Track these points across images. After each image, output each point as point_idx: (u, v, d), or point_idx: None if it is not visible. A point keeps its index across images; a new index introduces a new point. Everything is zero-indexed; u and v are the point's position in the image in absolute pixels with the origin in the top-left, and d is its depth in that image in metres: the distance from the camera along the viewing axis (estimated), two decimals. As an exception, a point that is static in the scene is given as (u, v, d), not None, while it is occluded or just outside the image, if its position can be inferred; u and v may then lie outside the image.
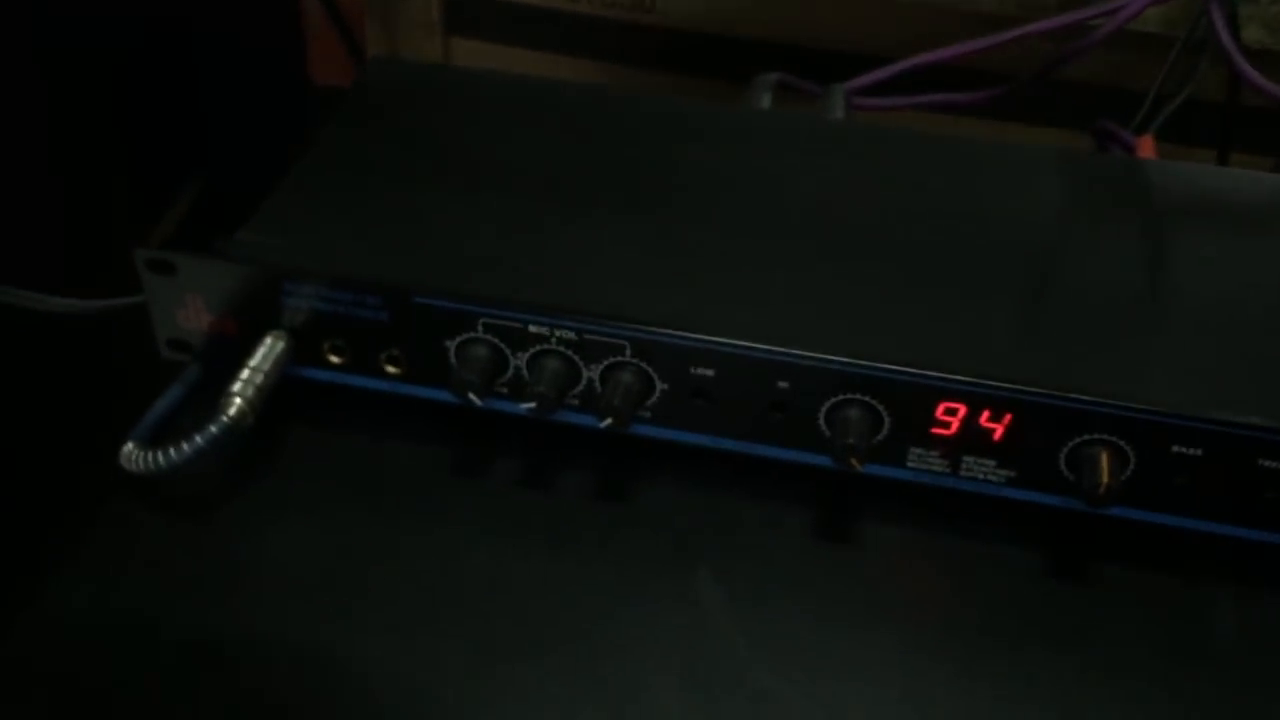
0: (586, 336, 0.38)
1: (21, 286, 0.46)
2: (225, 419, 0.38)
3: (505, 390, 0.40)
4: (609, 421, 0.38)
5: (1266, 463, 0.36)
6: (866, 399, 0.37)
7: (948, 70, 0.59)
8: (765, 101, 0.50)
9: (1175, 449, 0.36)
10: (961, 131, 0.60)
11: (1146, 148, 0.50)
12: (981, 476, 0.38)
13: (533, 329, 0.38)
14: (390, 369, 0.40)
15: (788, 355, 0.37)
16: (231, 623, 0.35)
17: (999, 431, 0.37)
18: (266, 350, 0.39)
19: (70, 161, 0.61)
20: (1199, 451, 0.36)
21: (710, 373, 0.38)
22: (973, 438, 0.37)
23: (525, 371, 0.39)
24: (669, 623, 0.36)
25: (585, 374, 0.39)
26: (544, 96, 0.48)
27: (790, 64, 0.60)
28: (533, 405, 0.38)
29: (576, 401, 0.39)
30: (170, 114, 0.74)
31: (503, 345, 0.39)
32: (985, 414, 0.37)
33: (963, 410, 0.37)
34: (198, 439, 0.37)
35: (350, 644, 0.35)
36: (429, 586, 0.36)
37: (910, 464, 0.38)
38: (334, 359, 0.40)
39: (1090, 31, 0.54)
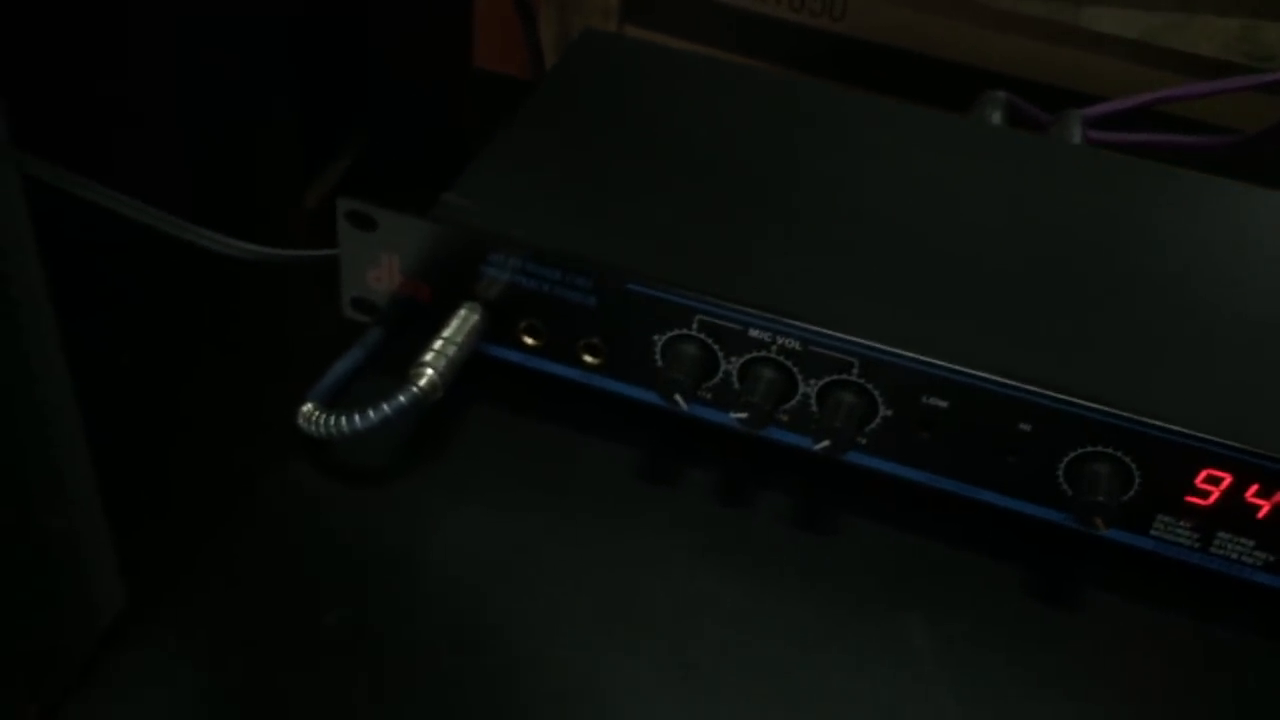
0: (812, 348, 0.34)
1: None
2: (415, 390, 0.35)
3: (710, 396, 0.36)
4: (825, 444, 0.35)
5: None
6: (1119, 454, 0.33)
7: (1172, 117, 0.55)
8: (996, 118, 0.47)
9: None
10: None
11: None
12: (1235, 557, 0.34)
13: (753, 333, 0.35)
14: (588, 358, 0.37)
15: (1036, 395, 0.33)
16: (391, 608, 0.32)
17: (1265, 509, 0.33)
18: (461, 322, 0.37)
19: (246, 109, 0.59)
20: None
21: (944, 404, 0.34)
22: (1233, 512, 0.33)
23: (735, 379, 0.36)
24: (872, 673, 0.32)
25: (802, 389, 0.35)
26: (765, 86, 0.45)
27: (979, 90, 0.57)
28: (743, 416, 0.35)
29: (787, 419, 0.36)
30: (337, 74, 0.72)
31: (716, 346, 0.35)
32: (1254, 488, 0.33)
33: (1227, 480, 0.33)
34: (385, 407, 0.35)
35: (518, 651, 0.32)
36: (609, 598, 0.33)
37: (1154, 532, 0.35)
38: (529, 340, 0.37)
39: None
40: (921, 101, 0.73)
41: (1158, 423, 0.33)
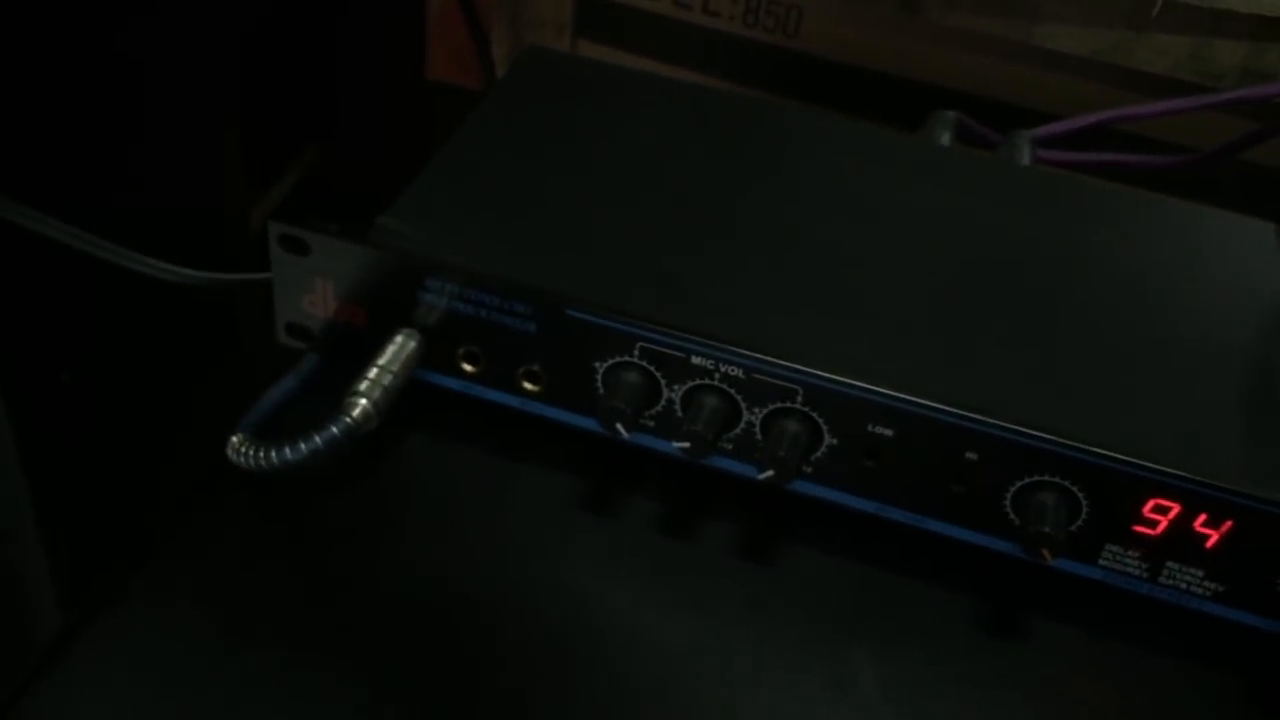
0: (756, 376, 0.34)
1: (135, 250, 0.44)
2: (348, 420, 0.34)
3: (653, 424, 0.36)
4: (770, 474, 0.34)
5: None
6: (1066, 483, 0.33)
7: (1123, 135, 0.55)
8: (945, 139, 0.46)
9: None
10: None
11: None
12: (1184, 587, 0.34)
13: (695, 360, 0.34)
14: (528, 385, 0.36)
15: (982, 424, 0.33)
16: (322, 643, 0.31)
17: (1214, 539, 0.33)
18: (397, 349, 0.36)
19: (196, 123, 0.58)
20: None
21: (889, 432, 0.34)
22: (1181, 543, 0.33)
23: (678, 406, 0.35)
24: (819, 707, 0.31)
25: (746, 417, 0.34)
26: (710, 104, 0.44)
27: (938, 107, 0.56)
28: (685, 445, 0.34)
29: (730, 447, 0.35)
30: (285, 92, 0.71)
31: (658, 374, 0.35)
32: (1201, 518, 0.32)
33: (1176, 510, 0.32)
34: (316, 439, 0.33)
35: (455, 685, 0.31)
36: (549, 630, 0.32)
37: (1102, 562, 0.34)
38: (467, 367, 0.37)
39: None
40: (875, 118, 0.73)
41: (1105, 451, 0.32)
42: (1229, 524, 0.32)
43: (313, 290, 0.37)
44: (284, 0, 0.65)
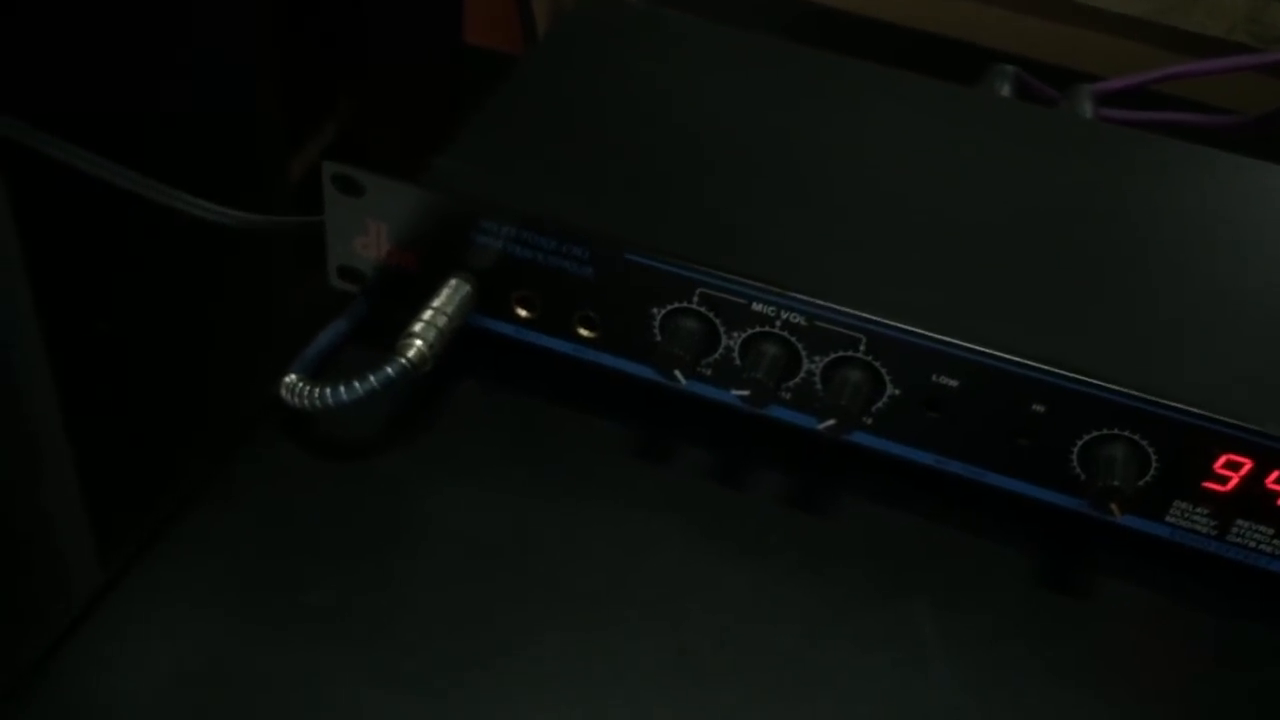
0: (818, 324, 0.33)
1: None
2: (403, 361, 0.33)
3: (710, 372, 0.35)
4: (830, 424, 0.33)
5: None
6: (1136, 437, 0.32)
7: (1173, 97, 0.54)
8: (1005, 91, 0.45)
9: None
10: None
11: None
12: (1253, 545, 0.33)
13: (756, 307, 0.33)
14: (584, 331, 0.36)
15: (1051, 375, 0.32)
16: (373, 590, 0.31)
17: (1286, 496, 0.32)
18: (451, 292, 0.35)
19: (233, 72, 0.58)
20: None
21: (954, 383, 0.33)
22: (1252, 499, 0.32)
23: (737, 355, 0.34)
24: (879, 660, 0.31)
25: (807, 365, 0.34)
26: (771, 55, 0.44)
27: (981, 65, 0.55)
28: (745, 394, 0.34)
29: (790, 396, 0.35)
30: (323, 47, 0.70)
31: (718, 321, 0.34)
32: (1275, 474, 0.32)
33: (1248, 465, 0.32)
34: (371, 379, 0.33)
35: (509, 632, 0.30)
36: (601, 579, 0.32)
37: (1170, 519, 0.33)
38: (522, 312, 0.36)
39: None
40: (928, 75, 0.71)
41: (1177, 405, 0.31)
42: (1303, 481, 0.31)
43: (365, 233, 0.36)
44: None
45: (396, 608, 0.31)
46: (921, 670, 0.31)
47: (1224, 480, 0.32)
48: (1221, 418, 0.31)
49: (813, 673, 0.31)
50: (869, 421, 0.34)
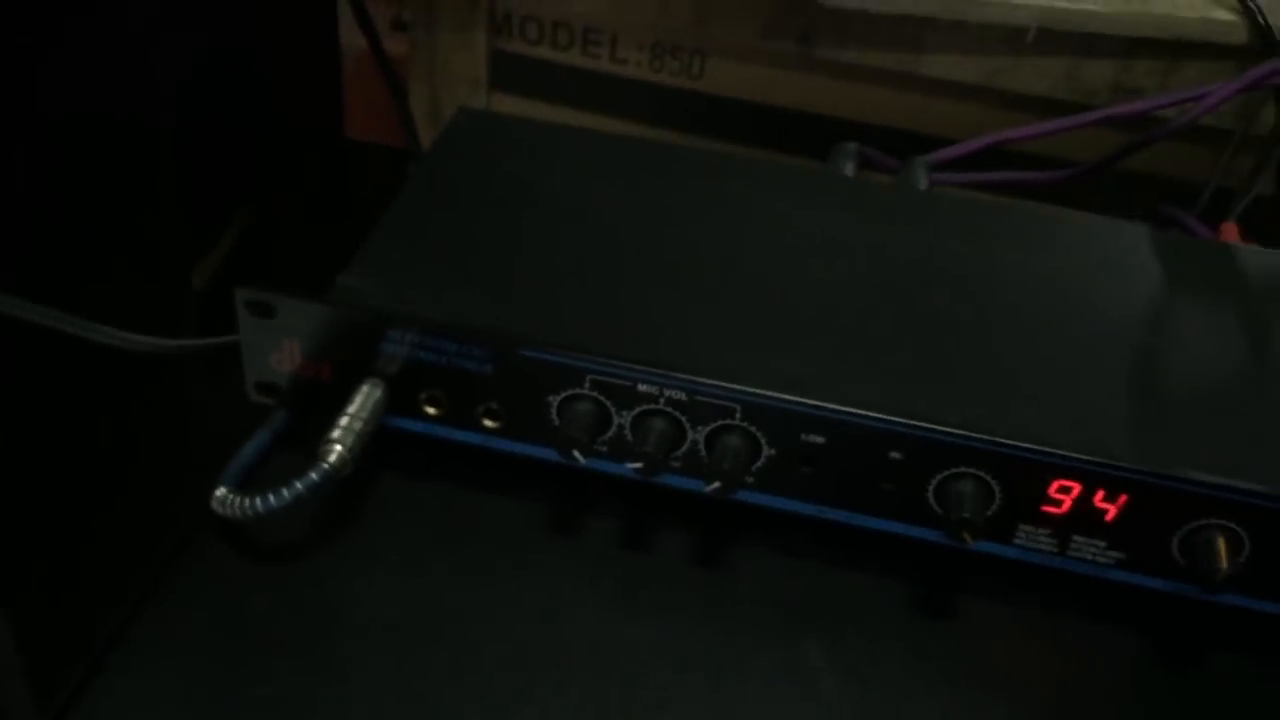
0: (697, 398, 0.37)
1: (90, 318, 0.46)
2: (326, 466, 0.37)
3: (606, 449, 0.39)
4: (716, 486, 0.37)
5: (1386, 554, 0.35)
6: (980, 473, 0.37)
7: (1009, 155, 0.59)
8: (849, 169, 0.50)
9: (1294, 536, 0.36)
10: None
11: (1230, 234, 0.50)
12: (1090, 557, 0.38)
13: (641, 388, 0.37)
14: (488, 422, 0.39)
15: (903, 425, 0.36)
16: (315, 675, 0.34)
17: (1112, 512, 0.37)
18: (364, 397, 0.38)
19: (133, 196, 0.60)
20: (1318, 539, 0.36)
21: (821, 440, 0.37)
22: (1084, 518, 0.37)
23: (629, 431, 0.38)
24: (777, 694, 0.35)
25: (691, 436, 0.38)
26: (634, 152, 0.48)
27: (836, 136, 0.61)
28: (638, 466, 0.37)
29: (679, 464, 0.39)
30: (217, 158, 0.73)
31: (608, 403, 0.38)
32: (1100, 494, 0.36)
33: (1077, 489, 0.37)
34: (298, 485, 0.36)
35: (435, 701, 0.34)
36: (527, 648, 0.35)
37: (1018, 541, 0.38)
38: (431, 410, 0.39)
39: (1159, 121, 0.55)
40: (780, 150, 0.77)
41: (1012, 442, 0.36)
42: (1124, 498, 0.36)
43: (279, 349, 0.39)
44: (209, 69, 0.67)
45: (335, 691, 0.34)
46: (816, 699, 0.35)
47: (1058, 503, 0.37)
48: (1049, 449, 0.36)
49: (720, 711, 0.34)
50: (751, 480, 0.38)
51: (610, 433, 0.38)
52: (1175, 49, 0.70)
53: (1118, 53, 0.70)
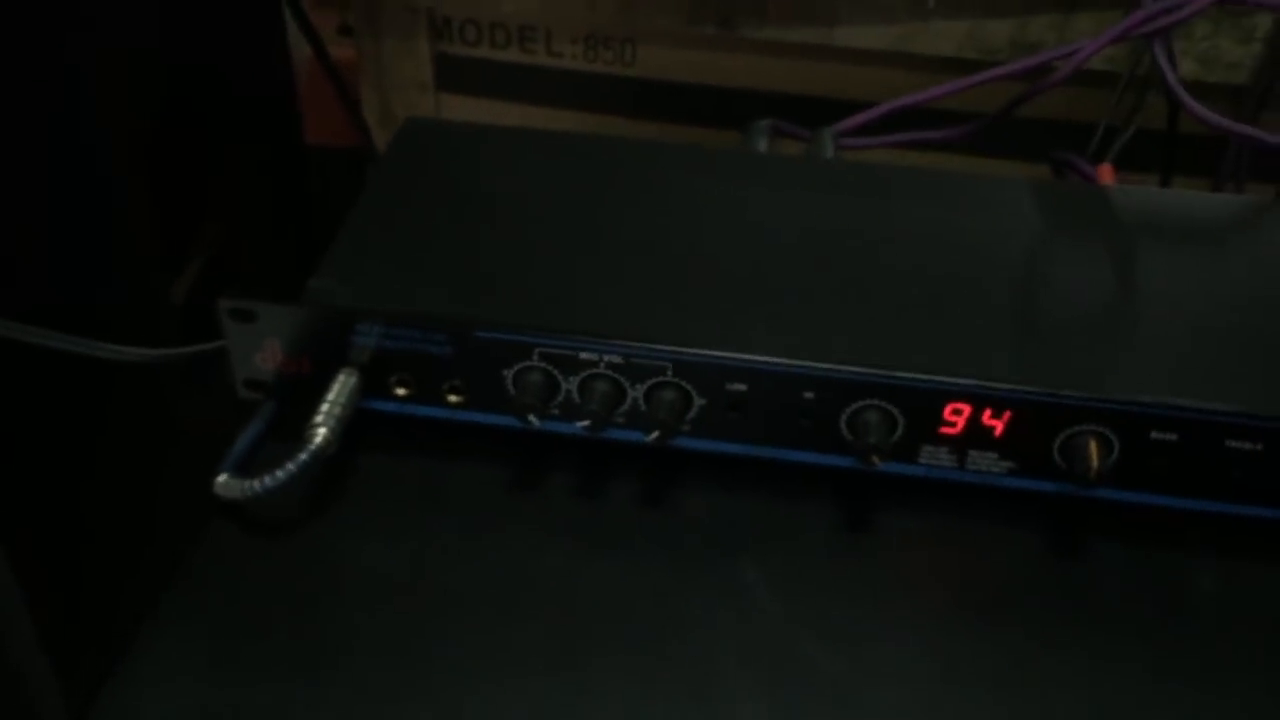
0: (633, 360, 0.42)
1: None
2: (313, 447, 0.42)
3: (557, 412, 0.44)
4: (655, 435, 0.43)
5: (1233, 444, 0.41)
6: (883, 404, 0.42)
7: (922, 112, 0.64)
8: (762, 145, 0.56)
9: (1154, 435, 0.41)
10: (934, 166, 0.65)
11: (1106, 174, 0.56)
12: (985, 469, 0.43)
13: (583, 355, 0.43)
14: (452, 398, 0.44)
15: (812, 368, 0.42)
16: (322, 634, 0.39)
17: (1000, 428, 0.42)
18: (341, 385, 0.44)
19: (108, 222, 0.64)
20: (1175, 436, 0.41)
21: (743, 387, 0.43)
22: (977, 435, 0.42)
23: (576, 394, 0.43)
24: (719, 607, 0.40)
25: (630, 394, 0.43)
26: (567, 147, 0.53)
27: (762, 109, 0.66)
28: (586, 424, 0.43)
29: (623, 420, 0.44)
30: (185, 174, 0.77)
31: (555, 371, 0.43)
32: (987, 413, 0.42)
33: (967, 410, 0.42)
34: (289, 466, 0.41)
35: (431, 640, 0.39)
36: (500, 586, 0.41)
37: (922, 461, 0.43)
38: (400, 391, 0.45)
39: (1049, 73, 0.60)
40: (710, 125, 0.83)
41: (907, 374, 0.41)
42: (1009, 414, 0.42)
43: (262, 349, 0.44)
44: (174, 87, 0.71)
45: (337, 636, 0.39)
46: (751, 605, 0.40)
47: (953, 425, 0.42)
48: (941, 378, 0.41)
49: (669, 620, 0.40)
50: (686, 428, 0.44)
51: (560, 397, 0.44)
52: (1069, 4, 0.75)
53: (1015, 11, 0.76)
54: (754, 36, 0.78)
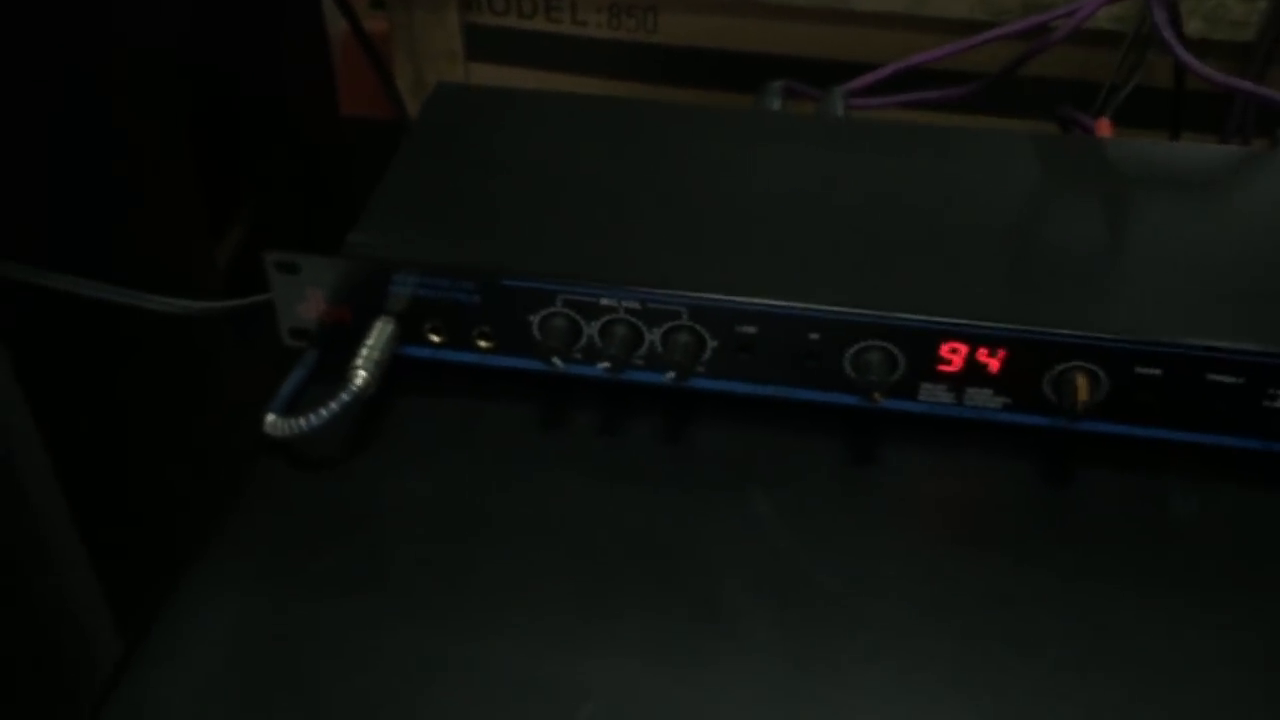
0: (650, 305, 0.45)
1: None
2: (354, 388, 0.45)
3: (580, 355, 0.47)
4: (672, 375, 0.46)
5: (1214, 377, 0.44)
6: (883, 344, 0.45)
7: (930, 72, 0.67)
8: (776, 104, 0.58)
9: (1139, 370, 0.44)
10: (942, 124, 0.68)
11: (1104, 128, 0.58)
12: (981, 404, 0.46)
13: (603, 301, 0.46)
14: (482, 344, 0.48)
15: (818, 311, 0.45)
16: (366, 556, 0.43)
17: (995, 365, 0.45)
18: (379, 332, 0.47)
19: (162, 194, 0.68)
20: (1159, 371, 0.44)
21: (753, 330, 0.45)
22: (973, 372, 0.45)
23: (597, 338, 0.47)
24: (730, 532, 0.43)
25: (648, 337, 0.46)
26: (587, 109, 0.56)
27: (781, 73, 0.68)
28: (606, 366, 0.46)
29: (642, 362, 0.47)
30: (231, 142, 0.81)
31: (578, 317, 0.46)
32: (983, 351, 0.45)
33: (964, 349, 0.45)
34: (332, 405, 0.45)
35: (464, 561, 0.42)
36: (529, 513, 0.44)
37: (922, 398, 0.46)
38: (434, 338, 0.48)
39: (1051, 32, 0.63)
40: (731, 89, 0.86)
41: (905, 315, 0.44)
42: (1003, 352, 0.45)
43: (305, 300, 0.48)
44: (220, 68, 0.75)
45: (380, 559, 0.42)
46: (762, 533, 0.43)
47: (950, 362, 0.45)
48: (939, 319, 0.44)
49: (683, 544, 0.43)
50: (701, 369, 0.47)
51: (582, 341, 0.47)
52: (1076, -35, 0.77)
53: (1024, -27, 0.77)
54: (772, 2, 0.81)
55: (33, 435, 0.61)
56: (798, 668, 0.39)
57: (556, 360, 0.46)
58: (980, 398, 0.46)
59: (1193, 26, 0.74)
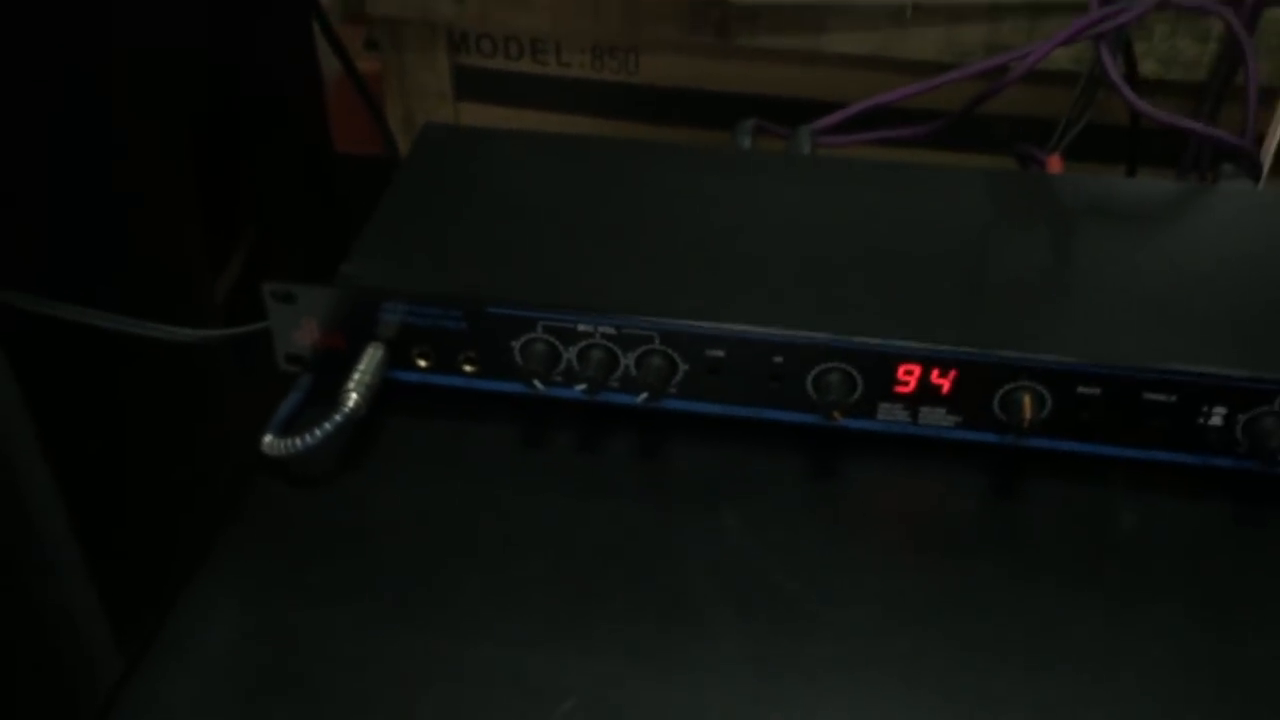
0: (624, 331, 0.48)
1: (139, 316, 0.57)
2: (346, 410, 0.48)
3: (560, 378, 0.50)
4: (644, 397, 0.49)
5: (1150, 396, 0.47)
6: (843, 366, 0.48)
7: (895, 110, 0.70)
8: (746, 143, 0.62)
9: (1080, 390, 0.47)
10: (906, 161, 0.71)
11: (1055, 165, 0.61)
12: (934, 423, 0.49)
13: (581, 327, 0.49)
14: (467, 368, 0.51)
15: (781, 336, 0.48)
16: (359, 567, 0.45)
17: (946, 386, 0.48)
18: (370, 358, 0.50)
19: (160, 217, 0.71)
20: (1099, 390, 0.47)
21: (722, 353, 0.48)
22: (926, 392, 0.48)
23: (576, 362, 0.50)
24: (700, 544, 0.46)
25: (623, 361, 0.49)
26: (567, 147, 0.59)
27: (758, 112, 0.72)
28: (584, 388, 0.49)
29: (617, 384, 0.50)
30: (229, 182, 0.84)
31: (557, 342, 0.49)
32: (935, 372, 0.48)
33: (918, 370, 0.48)
34: (326, 426, 0.48)
35: (449, 572, 0.45)
36: (511, 528, 0.47)
37: (880, 417, 0.49)
38: (422, 363, 0.51)
39: (1009, 72, 0.66)
40: (709, 126, 0.89)
41: (863, 339, 0.47)
42: (954, 373, 0.48)
43: (300, 327, 0.51)
44: (218, 102, 0.78)
45: (370, 571, 0.45)
46: (731, 545, 0.46)
47: (906, 384, 0.48)
48: (894, 341, 0.47)
49: (655, 558, 0.46)
50: (674, 391, 0.50)
51: (561, 365, 0.50)
52: (1035, 9, 0.81)
53: (985, 17, 0.81)
54: (749, 44, 0.85)
55: (35, 450, 0.63)
56: (763, 667, 0.42)
57: (537, 383, 0.49)
58: (934, 416, 0.49)
59: (1148, 67, 0.77)
